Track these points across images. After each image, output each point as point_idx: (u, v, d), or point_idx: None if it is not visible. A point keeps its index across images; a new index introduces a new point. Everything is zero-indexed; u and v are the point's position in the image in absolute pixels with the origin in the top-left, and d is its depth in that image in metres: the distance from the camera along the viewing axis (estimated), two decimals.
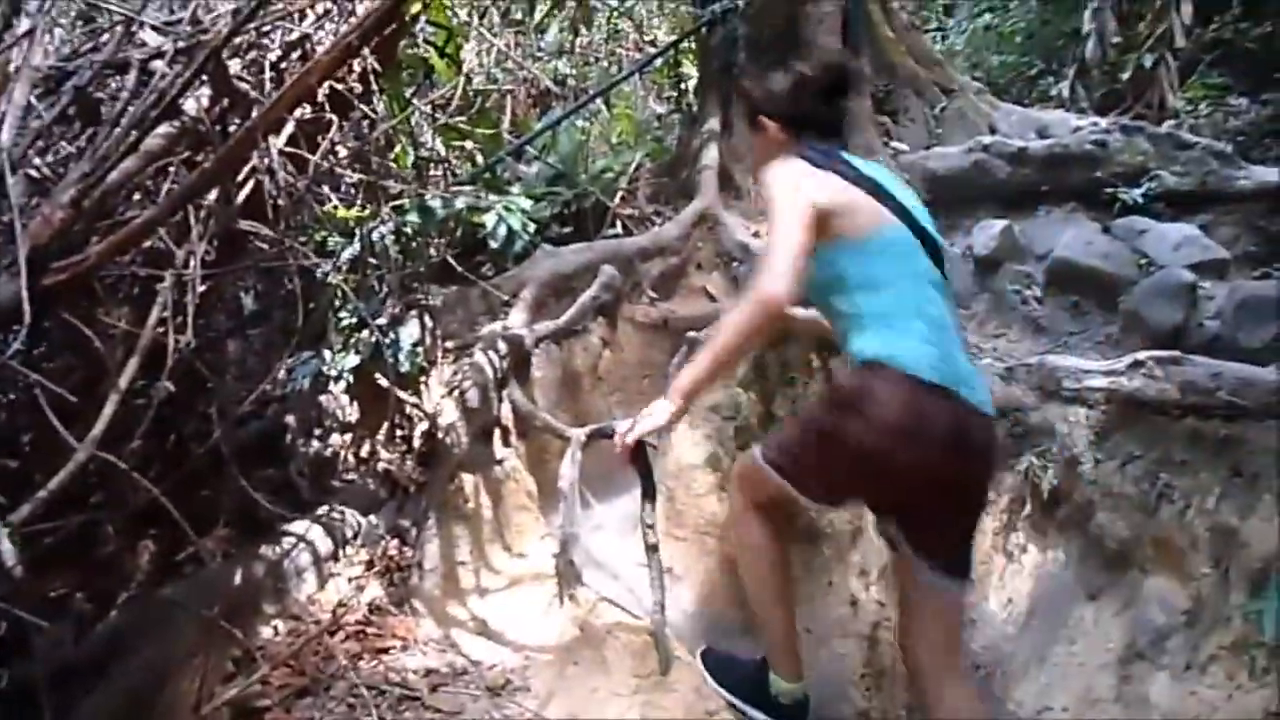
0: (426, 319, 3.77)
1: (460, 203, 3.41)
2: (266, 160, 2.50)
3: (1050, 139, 5.73)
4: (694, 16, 5.78)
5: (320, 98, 2.51)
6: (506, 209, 3.43)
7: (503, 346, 3.31)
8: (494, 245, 3.47)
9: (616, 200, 5.14)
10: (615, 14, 5.77)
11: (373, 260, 3.52)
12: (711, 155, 5.17)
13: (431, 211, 3.33)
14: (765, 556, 2.59)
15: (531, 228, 3.74)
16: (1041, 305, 4.97)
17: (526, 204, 3.54)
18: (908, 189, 2.64)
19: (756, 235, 4.85)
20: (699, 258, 4.68)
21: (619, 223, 4.99)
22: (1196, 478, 3.33)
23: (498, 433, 3.31)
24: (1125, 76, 7.19)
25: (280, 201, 2.59)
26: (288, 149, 2.63)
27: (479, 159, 4.31)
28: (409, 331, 3.75)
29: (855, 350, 2.40)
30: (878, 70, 6.12)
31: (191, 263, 2.35)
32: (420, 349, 3.70)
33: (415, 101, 3.23)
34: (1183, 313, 4.38)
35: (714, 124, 5.41)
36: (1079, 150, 5.47)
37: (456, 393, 3.23)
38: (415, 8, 2.68)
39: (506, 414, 3.35)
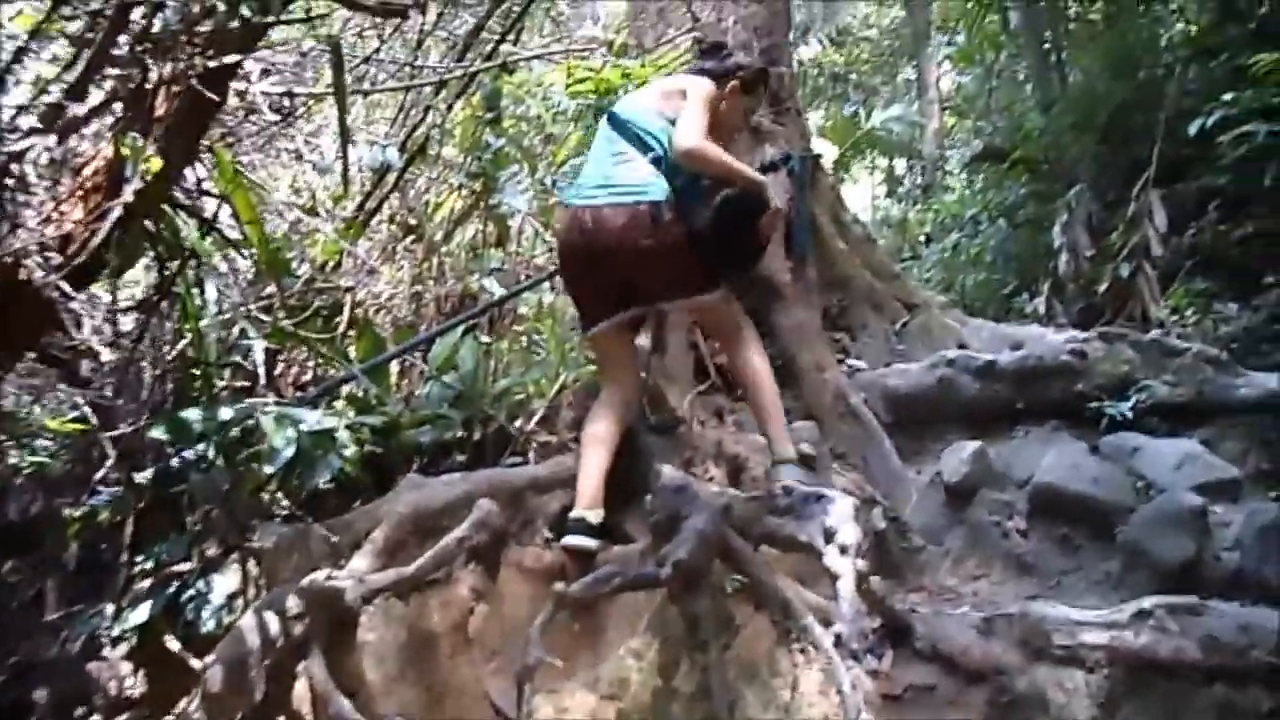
0: (250, 565, 3.03)
1: (228, 414, 2.74)
2: None
3: (1023, 352, 5.15)
4: None
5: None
6: (277, 421, 2.73)
7: (294, 604, 2.53)
8: (269, 470, 2.77)
9: (531, 424, 4.47)
10: (543, 226, 5.33)
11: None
12: None
13: (186, 426, 2.66)
14: None
15: (350, 451, 3.05)
16: (1026, 539, 4.23)
17: (321, 421, 2.85)
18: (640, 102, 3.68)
19: (687, 464, 4.16)
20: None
21: (530, 451, 4.30)
22: None
23: None
24: (1102, 289, 6.73)
25: None
26: None
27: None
28: (226, 581, 3.00)
29: None
30: (830, 284, 5.63)
31: None
32: (238, 603, 2.95)
33: (238, 296, 2.63)
34: (1194, 544, 3.62)
35: (644, 339, 4.81)
36: (1055, 362, 4.89)
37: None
38: (152, 164, 2.10)
39: (303, 694, 2.53)
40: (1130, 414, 4.50)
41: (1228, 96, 5.88)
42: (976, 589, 4.14)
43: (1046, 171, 8.81)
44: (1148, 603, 2.78)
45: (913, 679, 3.21)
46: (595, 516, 3.36)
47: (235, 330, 3.20)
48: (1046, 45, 9.86)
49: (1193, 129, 6.12)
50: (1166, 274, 6.43)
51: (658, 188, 3.43)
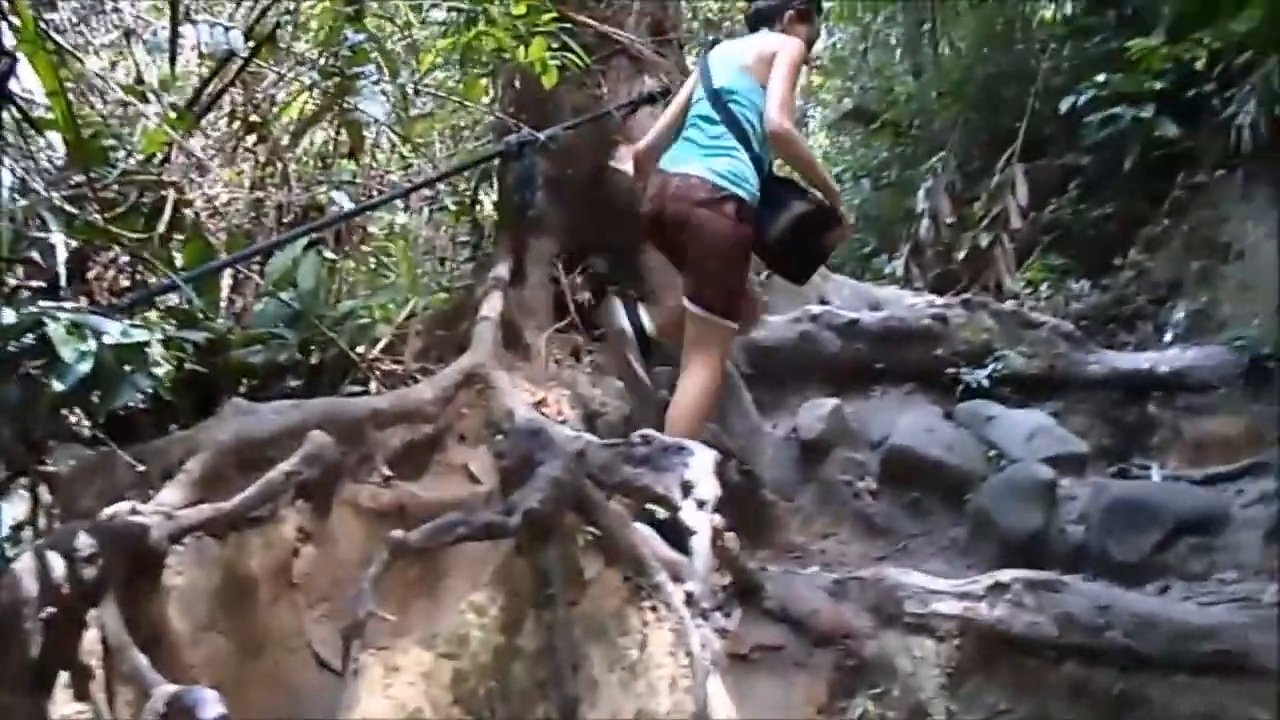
0: (43, 492, 2.67)
1: (10, 317, 2.36)
2: None
3: (885, 312, 5.14)
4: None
5: None
6: (70, 330, 2.36)
7: (86, 544, 2.21)
8: (59, 386, 2.42)
9: (375, 351, 4.16)
10: (401, 141, 4.95)
11: None
12: (494, 306, 4.25)
13: None
14: None
15: (164, 369, 2.70)
16: (876, 500, 4.24)
17: (128, 333, 2.49)
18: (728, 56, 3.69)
19: (540, 404, 3.95)
20: (461, 427, 3.70)
21: (372, 380, 3.99)
22: None
23: (67, 677, 2.18)
24: (960, 256, 6.82)
25: None
26: None
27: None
28: (13, 509, 2.64)
29: None
30: None
31: None
32: (23, 534, 2.60)
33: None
34: (1041, 516, 3.67)
35: (502, 270, 4.53)
36: (917, 325, 4.89)
37: None
38: None
39: (93, 645, 2.23)
40: (986, 382, 4.54)
41: (1100, 78, 5.96)
42: (825, 548, 4.11)
43: (913, 136, 8.87)
44: (1005, 575, 2.74)
45: (760, 639, 3.13)
46: None
47: (37, 223, 2.79)
48: (923, 15, 9.88)
49: (1063, 106, 6.20)
50: (1024, 247, 6.56)
51: (750, 187, 3.47)
